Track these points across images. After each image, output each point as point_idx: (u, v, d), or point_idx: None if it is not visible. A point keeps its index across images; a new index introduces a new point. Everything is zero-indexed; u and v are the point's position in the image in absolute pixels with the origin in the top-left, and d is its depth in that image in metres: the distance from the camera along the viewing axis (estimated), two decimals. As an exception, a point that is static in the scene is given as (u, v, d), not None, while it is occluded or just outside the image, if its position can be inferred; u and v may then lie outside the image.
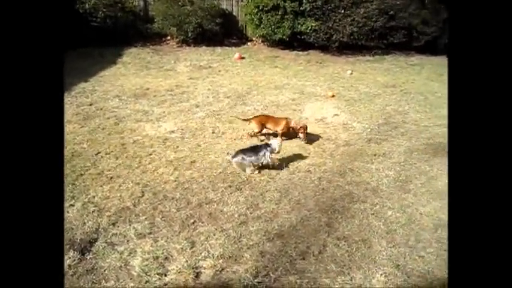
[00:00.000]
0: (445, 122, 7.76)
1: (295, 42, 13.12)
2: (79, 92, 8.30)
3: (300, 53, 12.98)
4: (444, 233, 4.39)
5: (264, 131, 6.47)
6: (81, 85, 8.74)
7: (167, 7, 12.94)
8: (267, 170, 5.50)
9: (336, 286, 3.62)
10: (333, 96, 8.87)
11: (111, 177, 5.17)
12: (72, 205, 4.56)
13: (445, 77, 11.32)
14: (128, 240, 4.06)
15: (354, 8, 12.62)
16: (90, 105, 7.66)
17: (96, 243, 4.02)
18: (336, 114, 7.76)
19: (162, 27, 13.13)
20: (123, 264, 3.76)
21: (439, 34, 13.46)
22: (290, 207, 4.70)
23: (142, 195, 4.81)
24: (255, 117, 6.51)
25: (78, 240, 4.02)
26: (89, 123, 6.82)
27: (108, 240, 4.05)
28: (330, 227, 4.38)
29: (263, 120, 6.40)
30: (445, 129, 7.34)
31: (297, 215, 4.56)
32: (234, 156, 5.41)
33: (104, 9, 11.97)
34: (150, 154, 5.84)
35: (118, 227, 4.25)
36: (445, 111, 8.38)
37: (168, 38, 13.60)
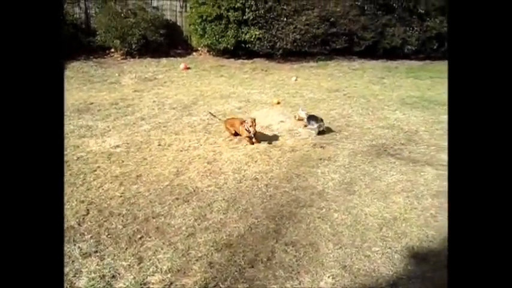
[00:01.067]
0: (387, 123, 8.03)
1: (240, 51, 13.23)
2: (18, 110, 7.99)
3: (245, 61, 13.09)
4: (389, 231, 4.53)
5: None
6: (20, 102, 8.41)
7: (109, 19, 12.72)
8: (214, 180, 5.49)
9: (285, 291, 3.65)
10: (279, 103, 8.99)
11: (54, 197, 5.00)
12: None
13: (386, 80, 11.74)
14: (72, 261, 3.93)
15: (296, 16, 12.88)
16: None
17: (39, 266, 3.86)
18: (281, 121, 7.86)
19: (105, 40, 12.89)
20: (68, 286, 3.64)
21: (378, 39, 13.94)
22: (238, 216, 4.71)
23: (87, 213, 4.68)
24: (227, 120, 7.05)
25: (19, 265, 3.85)
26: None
27: (51, 262, 3.91)
28: (278, 233, 4.42)
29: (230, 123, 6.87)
30: (387, 131, 7.60)
31: (245, 223, 4.57)
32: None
33: (43, 23, 11.59)
34: (95, 170, 5.69)
35: (61, 247, 4.11)
36: (386, 113, 8.67)
37: (112, 50, 13.38)
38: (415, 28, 13.86)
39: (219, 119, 6.85)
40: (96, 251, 4.07)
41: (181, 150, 6.38)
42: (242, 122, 6.62)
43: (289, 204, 4.99)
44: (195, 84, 10.52)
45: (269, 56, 13.25)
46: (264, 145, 6.65)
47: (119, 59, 13.00)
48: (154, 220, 4.58)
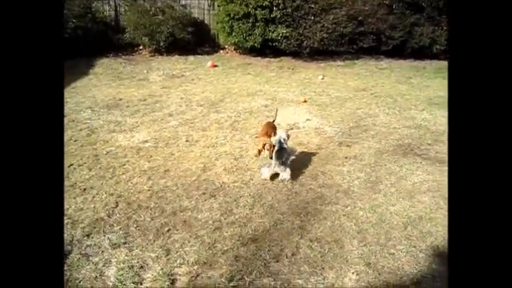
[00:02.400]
0: (413, 123, 7.97)
1: (267, 49, 13.28)
2: (50, 105, 8.24)
3: (272, 59, 13.14)
4: (413, 230, 4.53)
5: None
6: (53, 97, 8.68)
7: (138, 17, 12.94)
8: (241, 176, 5.57)
9: (309, 286, 3.70)
10: (305, 101, 9.02)
11: (85, 189, 5.16)
12: (45, 218, 4.54)
13: (413, 80, 11.63)
14: (102, 251, 4.06)
15: (323, 15, 12.86)
16: (65, 116, 7.62)
17: (71, 255, 4.00)
18: (308, 119, 7.89)
19: (133, 37, 13.13)
20: (98, 275, 3.77)
21: (406, 38, 13.80)
22: (263, 211, 4.78)
23: (116, 206, 4.82)
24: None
25: (52, 253, 4.01)
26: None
27: (83, 252, 4.05)
28: (303, 229, 4.47)
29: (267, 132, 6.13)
30: (413, 131, 7.55)
31: (271, 218, 4.63)
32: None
33: (74, 20, 11.89)
34: (124, 164, 5.84)
35: (92, 238, 4.25)
36: (413, 113, 8.61)
37: (141, 47, 13.61)
38: (444, 27, 13.67)
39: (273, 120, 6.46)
40: (125, 242, 4.20)
41: (208, 147, 6.49)
42: (266, 135, 5.99)
43: (315, 201, 5.03)
44: (222, 81, 10.63)
45: (296, 54, 13.27)
46: (290, 142, 6.70)
47: (147, 56, 13.22)
48: (181, 214, 4.69)
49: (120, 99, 8.79)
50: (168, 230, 4.39)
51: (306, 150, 6.50)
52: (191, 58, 13.04)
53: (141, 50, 13.58)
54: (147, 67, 11.91)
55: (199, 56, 13.34)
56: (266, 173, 5.52)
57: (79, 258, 3.97)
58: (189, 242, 4.21)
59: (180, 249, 4.10)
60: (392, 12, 13.54)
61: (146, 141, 6.65)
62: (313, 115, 8.12)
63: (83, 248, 4.11)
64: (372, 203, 5.05)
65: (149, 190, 5.18)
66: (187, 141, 6.72)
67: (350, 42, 13.36)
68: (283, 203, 4.96)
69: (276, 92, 9.74)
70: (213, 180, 5.44)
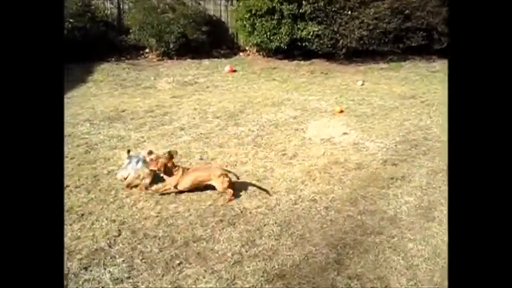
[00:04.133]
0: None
1: (295, 51, 13.37)
2: (43, 117, 8.45)
3: (302, 62, 13.23)
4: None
5: None
6: (45, 109, 8.90)
7: (144, 15, 13.16)
8: (265, 200, 5.61)
9: (348, 332, 3.69)
10: (342, 111, 9.04)
11: (82, 214, 5.26)
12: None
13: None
14: (102, 287, 4.13)
15: (362, 9, 12.87)
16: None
17: (66, 291, 4.09)
18: (345, 133, 7.91)
19: (139, 39, 13.38)
20: (97, 316, 3.84)
21: (464, 35, 13.70)
22: (292, 242, 4.79)
23: (119, 234, 4.90)
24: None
25: (44, 289, 4.09)
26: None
27: (80, 287, 4.13)
28: (340, 264, 4.46)
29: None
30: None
31: (301, 251, 4.64)
32: None
33: (71, 20, 12.14)
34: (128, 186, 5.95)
35: (91, 271, 4.32)
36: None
37: (147, 50, 13.87)
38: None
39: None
40: (128, 277, 4.26)
41: (226, 166, 6.55)
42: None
43: (354, 231, 5.02)
44: (242, 89, 10.76)
45: (330, 56, 13.33)
46: (324, 161, 6.73)
47: (154, 60, 13.48)
48: (195, 244, 4.74)
49: (123, 111, 8.97)
50: (179, 264, 4.44)
51: (342, 169, 6.51)
52: (206, 62, 13.24)
53: (147, 53, 13.85)
54: (155, 73, 12.15)
55: (216, 60, 13.54)
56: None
57: (75, 295, 4.04)
58: (203, 277, 4.25)
59: (193, 286, 4.13)
60: (446, 4, 13.49)
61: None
62: (352, 128, 8.13)
63: (80, 283, 4.18)
64: (424, 233, 5.01)
65: (157, 216, 5.25)
66: (201, 159, 6.81)
67: (395, 40, 13.34)
68: (315, 233, 4.97)
69: (306, 100, 9.80)
70: (232, 206, 5.49)
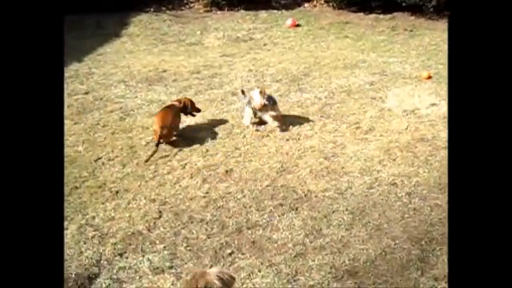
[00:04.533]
0: None
1: (373, 2, 13.13)
2: (71, 77, 8.68)
3: (381, 16, 12.98)
4: None
5: None
6: (73, 66, 9.14)
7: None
8: (334, 182, 5.61)
9: None
10: (429, 77, 8.86)
11: (117, 192, 5.41)
12: (65, 228, 4.81)
13: None
14: (140, 276, 4.25)
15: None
16: (86, 93, 8.00)
17: (98, 279, 4.23)
18: (433, 104, 7.75)
19: (183, -16, 13.41)
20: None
21: None
22: (366, 233, 4.78)
23: (160, 216, 5.01)
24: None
25: (74, 276, 4.25)
26: (85, 119, 7.14)
27: (114, 276, 4.26)
28: (425, 263, 4.43)
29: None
30: None
31: (377, 245, 4.63)
32: None
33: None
34: (170, 160, 6.06)
35: (127, 258, 4.46)
36: None
37: (192, -1, 13.90)
38: None
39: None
40: (171, 267, 4.37)
41: (287, 139, 6.57)
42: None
43: (443, 223, 4.96)
44: (307, 47, 10.67)
45: (416, 8, 13.03)
46: (406, 137, 6.63)
47: (201, 11, 13.51)
48: (249, 232, 4.80)
49: (164, 71, 9.08)
50: (231, 253, 4.51)
51: (430, 148, 6.41)
52: (263, 14, 13.18)
53: (192, 2, 13.90)
54: (201, 27, 12.19)
55: (275, 12, 13.44)
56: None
57: (109, 284, 4.18)
58: (259, 271, 4.30)
59: (247, 281, 4.20)
60: None
61: (201, 130, 6.86)
62: (442, 98, 7.96)
63: (114, 271, 4.32)
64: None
65: (204, 197, 5.34)
66: (257, 130, 6.85)
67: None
68: (395, 224, 4.94)
69: (385, 63, 9.64)
70: (294, 187, 5.52)
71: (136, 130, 6.83)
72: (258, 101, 6.60)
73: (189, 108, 6.86)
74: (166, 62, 9.61)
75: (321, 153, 6.26)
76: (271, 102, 6.78)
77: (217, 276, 3.23)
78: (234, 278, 3.36)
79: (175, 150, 6.30)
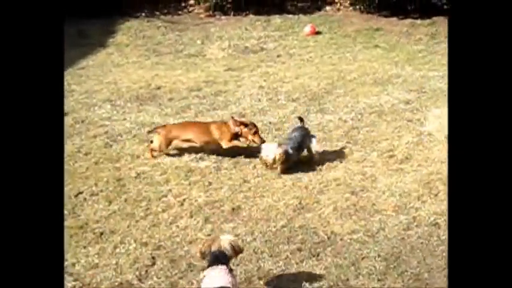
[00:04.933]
0: None
1: (408, 4, 13.19)
2: (46, 95, 8.71)
3: (418, 21, 13.04)
4: None
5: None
6: (50, 83, 9.18)
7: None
8: (364, 222, 5.59)
9: None
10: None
11: (101, 233, 5.41)
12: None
13: None
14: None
15: None
16: (65, 115, 8.03)
17: None
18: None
19: (181, -16, 13.50)
20: None
21: None
22: (403, 285, 4.75)
23: (153, 264, 5.00)
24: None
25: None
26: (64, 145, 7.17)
27: (99, 337, 4.26)
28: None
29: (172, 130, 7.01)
30: None
31: (418, 300, 4.60)
32: None
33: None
34: (165, 195, 6.06)
35: (114, 315, 4.46)
36: None
37: (191, 1, 13.98)
38: None
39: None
40: (167, 327, 4.36)
41: (305, 171, 6.57)
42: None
43: (496, 272, 4.93)
44: (329, 60, 10.70)
45: (461, 13, 13.09)
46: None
47: (202, 16, 13.60)
48: (260, 282, 4.78)
49: (158, 88, 9.12)
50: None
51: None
52: (276, 20, 13.25)
53: (192, 5, 13.98)
54: (203, 35, 12.27)
55: (291, 17, 13.51)
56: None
57: None
58: (275, 331, 4.30)
59: None
60: None
61: (202, 159, 6.87)
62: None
63: (99, 331, 4.32)
64: None
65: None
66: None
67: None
68: (438, 273, 4.90)
69: (424, 78, 9.65)
70: (315, 228, 5.51)
71: (124, 159, 6.85)
72: (271, 155, 6.48)
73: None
74: (160, 78, 9.65)
75: (347, 187, 6.25)
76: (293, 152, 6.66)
77: (230, 243, 4.21)
78: (242, 249, 4.42)
79: (172, 183, 6.31)
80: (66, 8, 11.67)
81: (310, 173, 6.51)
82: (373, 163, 6.77)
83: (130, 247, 5.23)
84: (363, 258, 5.08)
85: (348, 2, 14.04)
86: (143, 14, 13.35)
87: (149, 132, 7.09)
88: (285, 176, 6.46)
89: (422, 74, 9.85)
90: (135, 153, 6.99)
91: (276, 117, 8.07)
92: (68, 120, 7.86)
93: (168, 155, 6.92)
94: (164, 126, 7.11)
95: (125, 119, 7.97)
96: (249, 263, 5.02)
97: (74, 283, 4.77)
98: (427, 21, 13.06)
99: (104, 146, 7.16)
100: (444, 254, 5.13)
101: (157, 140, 6.86)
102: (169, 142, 6.88)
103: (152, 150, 6.91)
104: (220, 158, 6.87)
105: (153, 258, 5.09)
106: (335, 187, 6.23)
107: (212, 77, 9.72)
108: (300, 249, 5.20)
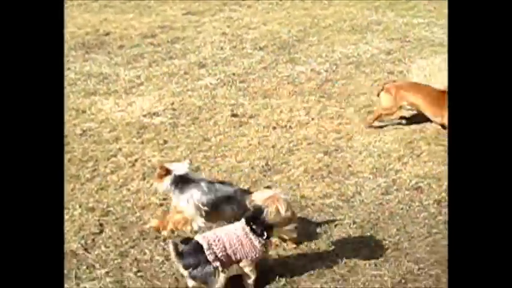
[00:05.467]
0: None
1: None
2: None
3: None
4: None
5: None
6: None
7: None
8: (338, 185, 5.62)
9: None
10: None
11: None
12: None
13: None
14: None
15: None
16: None
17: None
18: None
19: None
20: None
21: None
22: (381, 255, 4.74)
23: (101, 231, 4.96)
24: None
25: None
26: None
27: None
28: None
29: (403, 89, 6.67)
30: None
31: (394, 270, 4.58)
32: None
33: None
34: (114, 155, 6.04)
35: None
36: None
37: None
38: None
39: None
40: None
41: (274, 127, 6.57)
42: None
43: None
44: (301, 3, 10.66)
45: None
46: (435, 126, 6.64)
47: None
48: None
49: (107, 34, 9.04)
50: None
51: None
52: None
53: None
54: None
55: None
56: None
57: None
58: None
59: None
60: None
61: (156, 114, 6.84)
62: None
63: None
64: None
65: (161, 205, 5.30)
66: (234, 115, 6.86)
67: None
68: (419, 242, 4.92)
69: (407, 25, 9.67)
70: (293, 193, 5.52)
71: (69, 114, 6.77)
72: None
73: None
74: (109, 22, 9.58)
75: (319, 146, 6.29)
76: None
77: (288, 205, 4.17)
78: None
79: (123, 141, 6.28)
80: None
81: (278, 130, 6.51)
82: (349, 120, 6.80)
83: (75, 213, 5.20)
84: (336, 226, 5.11)
85: None
86: None
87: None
88: (249, 133, 6.46)
89: (405, 21, 9.89)
90: (80, 107, 6.93)
91: (241, 68, 8.05)
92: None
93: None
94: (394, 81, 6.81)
95: (69, 69, 7.89)
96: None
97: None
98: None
99: (46, 100, 7.09)
100: (426, 221, 5.18)
101: (387, 100, 6.62)
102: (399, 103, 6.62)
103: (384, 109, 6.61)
104: (176, 113, 6.83)
105: (101, 225, 5.07)
106: (306, 146, 6.25)
107: (168, 21, 9.67)
108: (269, 213, 5.21)
